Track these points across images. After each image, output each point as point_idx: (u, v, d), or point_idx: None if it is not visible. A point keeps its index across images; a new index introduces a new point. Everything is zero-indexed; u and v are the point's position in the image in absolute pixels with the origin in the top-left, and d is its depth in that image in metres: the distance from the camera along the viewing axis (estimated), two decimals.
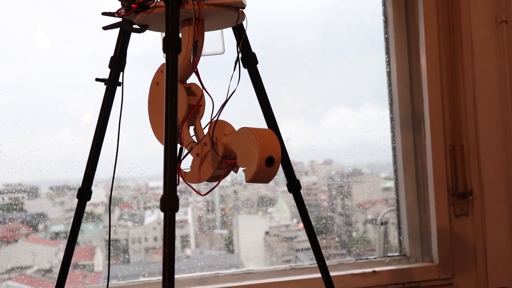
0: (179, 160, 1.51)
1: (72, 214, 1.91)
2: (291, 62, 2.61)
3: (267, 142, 1.42)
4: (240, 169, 1.50)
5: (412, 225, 2.44)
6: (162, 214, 1.92)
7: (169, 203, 1.29)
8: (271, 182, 2.35)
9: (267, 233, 2.81)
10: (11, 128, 2.41)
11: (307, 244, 2.47)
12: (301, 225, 2.55)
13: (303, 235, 2.67)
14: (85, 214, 2.51)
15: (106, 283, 1.78)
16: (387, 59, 2.48)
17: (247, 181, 1.44)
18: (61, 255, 2.17)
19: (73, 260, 2.50)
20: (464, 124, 2.36)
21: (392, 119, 2.48)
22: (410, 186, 2.44)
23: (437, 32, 2.34)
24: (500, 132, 2.38)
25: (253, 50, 1.73)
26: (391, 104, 2.49)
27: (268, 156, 1.40)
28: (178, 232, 2.75)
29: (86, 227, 2.58)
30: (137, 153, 2.23)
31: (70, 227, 1.78)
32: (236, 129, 1.49)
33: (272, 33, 2.60)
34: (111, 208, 2.54)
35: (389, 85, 2.47)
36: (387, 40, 2.47)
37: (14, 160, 2.42)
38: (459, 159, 2.35)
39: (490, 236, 2.36)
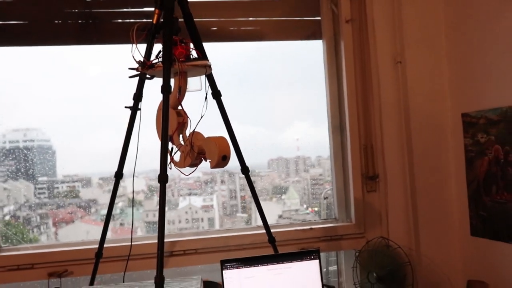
0: (171, 155, 1.92)
1: (117, 200, 2.23)
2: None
3: (222, 146, 1.80)
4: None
5: (340, 198, 2.67)
6: (193, 200, 2.30)
7: (163, 178, 1.71)
8: (283, 174, 2.86)
9: (280, 216, 2.88)
10: (66, 130, 2.51)
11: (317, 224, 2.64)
12: (309, 209, 2.92)
13: (310, 218, 2.83)
14: (128, 200, 2.68)
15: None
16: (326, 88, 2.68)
17: (211, 168, 1.83)
18: (109, 234, 2.36)
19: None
20: (373, 131, 2.59)
21: (328, 128, 2.70)
22: (339, 172, 2.67)
23: (354, 69, 2.55)
24: (397, 136, 2.60)
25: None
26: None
27: (223, 155, 1.80)
28: (205, 215, 2.84)
29: (130, 211, 2.39)
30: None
31: (113, 207, 2.11)
32: (205, 136, 1.86)
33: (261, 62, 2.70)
34: (150, 195, 2.78)
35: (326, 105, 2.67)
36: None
37: (70, 156, 2.54)
38: (369, 154, 2.58)
39: (390, 205, 2.59)
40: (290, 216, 2.86)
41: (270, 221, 2.54)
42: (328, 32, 2.68)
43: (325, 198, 2.83)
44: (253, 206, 2.70)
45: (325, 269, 2.77)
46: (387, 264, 2.36)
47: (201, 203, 2.84)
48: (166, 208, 2.42)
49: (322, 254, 2.60)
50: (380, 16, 2.59)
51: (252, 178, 2.57)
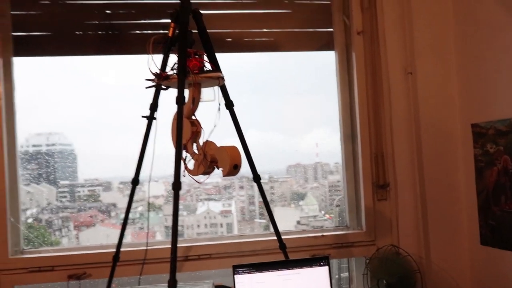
0: (185, 163, 1.97)
1: (137, 204, 2.29)
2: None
3: (234, 156, 1.87)
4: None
5: (351, 206, 2.68)
6: (211, 205, 2.35)
7: (176, 185, 1.77)
8: (301, 180, 2.86)
9: (298, 222, 2.87)
10: (88, 135, 2.56)
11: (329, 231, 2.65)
12: (327, 215, 2.92)
13: (328, 224, 2.86)
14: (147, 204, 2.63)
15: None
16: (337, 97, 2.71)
17: (223, 176, 1.90)
18: (129, 237, 2.50)
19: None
20: (384, 139, 2.60)
21: (340, 136, 2.70)
22: (350, 180, 2.68)
23: (365, 79, 2.58)
24: (407, 145, 2.60)
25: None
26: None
27: (234, 164, 1.86)
28: (224, 220, 2.86)
29: (149, 215, 2.52)
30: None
31: (129, 212, 2.13)
32: (218, 145, 1.92)
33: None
34: (169, 201, 2.69)
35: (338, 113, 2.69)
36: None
37: (91, 160, 2.57)
38: (380, 162, 2.59)
39: (400, 213, 2.59)
40: (308, 222, 2.88)
41: (289, 227, 2.63)
42: (340, 43, 2.71)
43: (337, 206, 2.84)
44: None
45: (337, 276, 2.79)
46: (397, 271, 2.38)
47: (220, 208, 2.86)
48: (185, 213, 2.74)
49: (334, 261, 2.69)
50: (391, 28, 2.62)
51: (271, 184, 2.81)
